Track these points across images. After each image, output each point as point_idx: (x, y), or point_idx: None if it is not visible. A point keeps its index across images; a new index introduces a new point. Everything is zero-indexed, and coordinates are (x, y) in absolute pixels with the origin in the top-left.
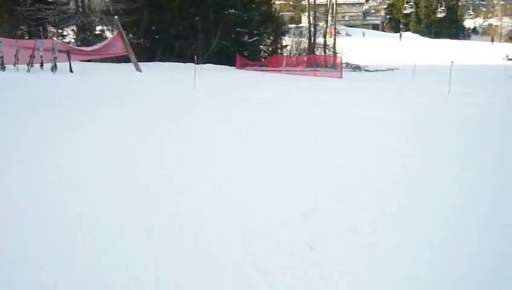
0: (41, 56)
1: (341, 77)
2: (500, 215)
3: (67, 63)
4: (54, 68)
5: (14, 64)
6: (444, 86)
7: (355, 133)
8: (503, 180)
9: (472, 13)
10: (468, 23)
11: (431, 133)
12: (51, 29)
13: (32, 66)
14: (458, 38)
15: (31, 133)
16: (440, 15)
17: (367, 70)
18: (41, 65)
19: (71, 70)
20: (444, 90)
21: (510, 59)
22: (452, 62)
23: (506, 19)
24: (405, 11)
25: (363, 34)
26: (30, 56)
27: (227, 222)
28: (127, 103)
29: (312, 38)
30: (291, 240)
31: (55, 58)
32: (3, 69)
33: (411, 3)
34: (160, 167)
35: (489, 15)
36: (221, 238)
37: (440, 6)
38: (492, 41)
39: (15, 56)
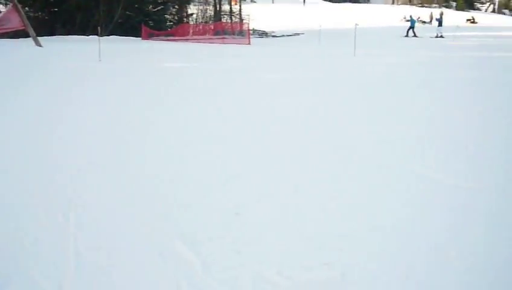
0: None
1: (249, 43)
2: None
3: None
4: None
5: None
6: (349, 48)
7: (266, 99)
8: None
9: None
10: None
11: (344, 92)
12: None
13: None
14: (359, 2)
15: None
16: None
17: (274, 36)
18: None
19: None
20: (349, 52)
21: (408, 20)
22: (356, 25)
23: None
24: None
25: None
26: None
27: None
28: (28, 81)
29: (218, 6)
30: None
31: None
32: None
33: None
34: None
35: None
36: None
37: None
38: (392, 3)
39: None
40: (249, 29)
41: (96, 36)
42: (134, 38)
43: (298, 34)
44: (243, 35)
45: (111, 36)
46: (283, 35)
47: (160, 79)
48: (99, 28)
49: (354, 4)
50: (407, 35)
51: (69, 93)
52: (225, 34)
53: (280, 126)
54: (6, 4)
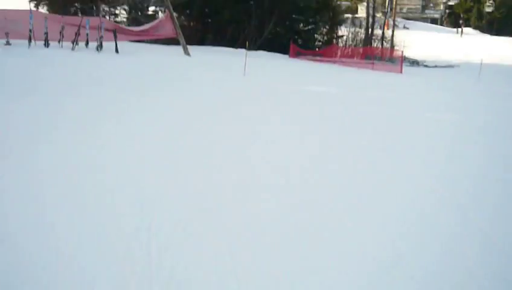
0: (87, 34)
1: (401, 72)
2: None
3: (114, 43)
4: (99, 47)
5: (59, 41)
6: None
7: (429, 145)
8: None
9: None
10: None
11: None
12: (104, 7)
13: (77, 44)
14: None
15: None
16: (488, 9)
17: (425, 66)
18: (87, 43)
19: (117, 51)
20: None
21: None
22: None
23: None
24: (487, 10)
25: (461, 32)
26: (75, 33)
27: None
28: (170, 90)
29: (370, 30)
30: None
31: (101, 37)
32: (47, 45)
33: (490, 1)
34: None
35: None
36: None
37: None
38: None
39: (60, 33)
40: (402, 57)
41: (244, 49)
42: (281, 55)
43: (452, 66)
44: (392, 62)
45: (259, 51)
46: (436, 66)
47: (300, 103)
48: (247, 42)
49: None
50: None
51: (209, 106)
52: (375, 59)
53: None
54: (165, 12)
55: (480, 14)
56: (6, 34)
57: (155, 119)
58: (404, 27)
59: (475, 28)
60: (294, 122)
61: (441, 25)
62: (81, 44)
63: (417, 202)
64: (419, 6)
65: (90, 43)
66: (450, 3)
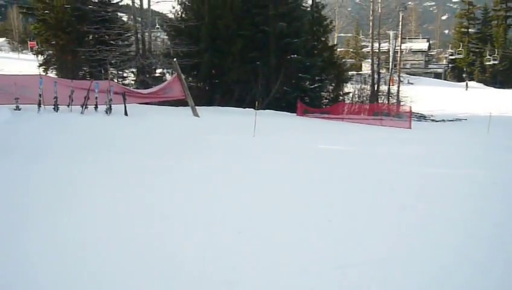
0: (96, 97)
1: (410, 128)
2: None
3: (123, 106)
4: (108, 110)
5: (68, 105)
6: None
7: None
8: None
9: None
10: None
11: None
12: (112, 70)
13: (86, 107)
14: None
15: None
16: (489, 62)
17: (433, 120)
18: (96, 107)
19: (126, 114)
20: None
21: None
22: None
23: None
24: (488, 63)
25: (466, 85)
26: (85, 97)
27: None
28: (182, 152)
29: (375, 86)
30: None
31: (110, 100)
32: (57, 110)
33: (495, 56)
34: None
35: None
36: None
37: (491, 54)
38: None
39: (69, 97)
40: (410, 113)
41: (252, 109)
42: (289, 113)
43: (460, 119)
44: (400, 118)
45: (267, 110)
46: (443, 120)
47: (312, 162)
48: (256, 102)
49: None
50: None
51: (220, 168)
52: (383, 115)
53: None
54: (172, 74)
55: (483, 68)
56: (16, 100)
57: (167, 184)
58: (409, 82)
59: (478, 81)
60: (307, 182)
61: (445, 79)
62: (90, 107)
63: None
64: (423, 62)
65: (99, 107)
66: (452, 57)
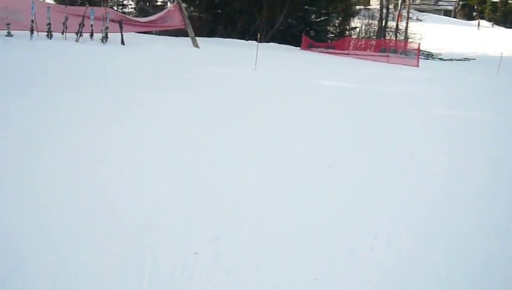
0: (92, 25)
1: (417, 66)
2: None
3: (120, 34)
4: (104, 39)
5: (62, 33)
6: None
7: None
8: None
9: None
10: None
11: None
12: None
13: (81, 35)
14: None
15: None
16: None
17: (440, 59)
18: (91, 35)
19: (123, 42)
20: None
21: None
22: None
23: None
24: None
25: (478, 24)
26: (79, 24)
27: None
28: (179, 84)
29: (383, 22)
30: None
31: (107, 28)
32: (50, 37)
33: None
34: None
35: None
36: None
37: None
38: None
39: (63, 24)
40: (418, 50)
41: (255, 42)
42: (293, 47)
43: (468, 59)
44: (406, 55)
45: (270, 43)
46: (451, 59)
47: (314, 100)
48: (259, 34)
49: None
50: None
51: (214, 103)
52: (390, 52)
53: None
54: (172, 2)
55: (495, 6)
56: (7, 25)
57: (162, 117)
58: (418, 19)
59: (489, 20)
60: (312, 121)
61: (454, 17)
62: (86, 35)
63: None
64: None
65: (95, 35)
66: None
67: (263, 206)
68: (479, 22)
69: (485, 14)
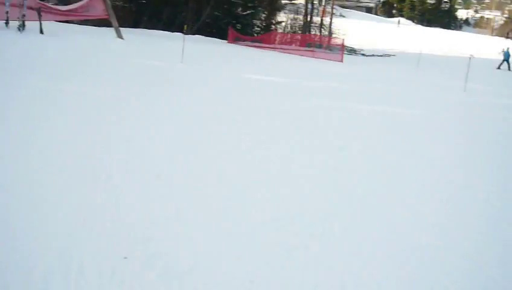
0: (7, 12)
1: (341, 61)
2: None
3: (38, 23)
4: (21, 27)
5: None
6: (455, 80)
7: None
8: None
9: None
10: (461, 14)
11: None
12: None
13: None
14: (450, 28)
15: None
16: (431, 1)
17: (363, 55)
18: (7, 22)
19: (41, 32)
20: (458, 85)
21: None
22: (471, 56)
23: (497, 13)
24: None
25: (399, 22)
26: None
27: None
28: (98, 77)
29: (308, 17)
30: None
31: (24, 15)
32: None
33: None
34: None
35: (479, 7)
36: None
37: None
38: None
39: None
40: (343, 46)
41: (181, 34)
42: (220, 40)
43: (389, 55)
44: (331, 50)
45: (196, 35)
46: (373, 55)
47: (240, 93)
48: (185, 25)
49: (447, 30)
50: (499, 68)
51: (140, 97)
52: (315, 47)
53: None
54: None
55: (413, 5)
56: None
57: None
58: (341, 15)
59: (408, 18)
60: (235, 119)
61: (375, 14)
62: (1, 23)
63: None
64: None
65: (10, 22)
66: None
67: (194, 209)
68: (399, 20)
69: (403, 12)
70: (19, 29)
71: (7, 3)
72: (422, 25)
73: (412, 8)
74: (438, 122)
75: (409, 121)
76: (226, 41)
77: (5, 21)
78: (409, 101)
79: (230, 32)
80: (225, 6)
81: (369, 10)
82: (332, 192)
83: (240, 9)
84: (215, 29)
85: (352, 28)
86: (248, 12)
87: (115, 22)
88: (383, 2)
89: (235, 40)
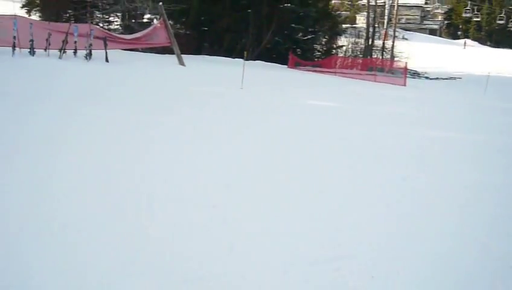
0: (75, 42)
1: (404, 85)
2: None
3: (104, 51)
4: (88, 56)
5: (45, 49)
6: None
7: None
8: None
9: None
10: None
11: None
12: (97, 14)
13: (64, 52)
14: None
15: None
16: (500, 21)
17: (427, 78)
18: (75, 52)
19: (107, 60)
20: None
21: None
22: None
23: None
24: (465, 14)
25: (465, 43)
26: (63, 41)
27: None
28: (161, 104)
29: (370, 40)
30: None
31: (91, 45)
32: (33, 53)
33: (468, 8)
34: None
35: None
36: None
37: (499, 14)
38: None
39: (46, 40)
40: (406, 69)
41: (241, 59)
42: (280, 65)
43: (455, 78)
44: (393, 74)
45: (257, 61)
46: (437, 78)
47: (301, 120)
48: (245, 52)
49: None
50: None
51: (202, 124)
52: (377, 70)
53: None
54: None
55: (479, 26)
56: None
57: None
58: (403, 38)
59: (474, 39)
60: (295, 144)
61: (440, 36)
62: (69, 52)
63: None
64: (418, 17)
65: (78, 52)
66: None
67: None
68: (465, 41)
69: (469, 33)
70: (86, 58)
71: (75, 33)
72: (490, 46)
73: (478, 28)
74: None
75: (472, 148)
76: (286, 66)
77: (73, 50)
78: (475, 126)
79: (291, 57)
80: (285, 31)
81: (432, 32)
82: (386, 225)
83: (300, 34)
84: (276, 54)
85: (415, 50)
86: (308, 37)
87: (176, 49)
88: (448, 23)
89: (296, 65)
